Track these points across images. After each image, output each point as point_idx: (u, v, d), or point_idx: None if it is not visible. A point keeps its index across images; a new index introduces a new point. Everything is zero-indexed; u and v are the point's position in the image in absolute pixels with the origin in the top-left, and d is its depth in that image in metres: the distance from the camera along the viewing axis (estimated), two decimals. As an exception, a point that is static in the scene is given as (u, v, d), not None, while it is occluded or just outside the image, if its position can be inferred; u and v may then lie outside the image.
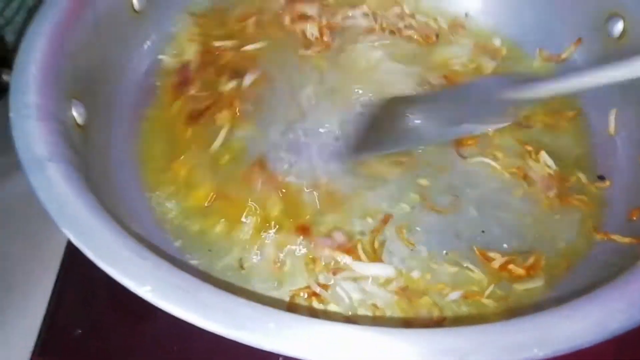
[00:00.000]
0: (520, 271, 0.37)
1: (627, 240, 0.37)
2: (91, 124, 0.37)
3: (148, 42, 0.47)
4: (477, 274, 0.37)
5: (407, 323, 0.35)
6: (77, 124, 0.36)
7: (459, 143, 0.44)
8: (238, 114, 0.44)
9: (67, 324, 0.39)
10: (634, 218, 0.38)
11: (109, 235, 0.26)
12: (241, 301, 0.24)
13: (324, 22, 0.50)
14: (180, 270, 0.25)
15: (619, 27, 0.43)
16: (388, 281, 0.37)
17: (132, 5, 0.45)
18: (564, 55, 0.48)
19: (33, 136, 0.30)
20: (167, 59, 0.48)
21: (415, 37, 0.51)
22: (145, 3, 0.46)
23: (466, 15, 0.52)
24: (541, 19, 0.49)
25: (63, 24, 0.37)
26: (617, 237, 0.37)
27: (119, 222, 0.28)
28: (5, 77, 0.33)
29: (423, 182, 0.42)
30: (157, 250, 0.27)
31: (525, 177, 0.42)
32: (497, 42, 0.51)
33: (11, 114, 0.31)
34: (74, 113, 0.36)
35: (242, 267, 0.37)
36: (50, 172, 0.28)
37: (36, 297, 0.40)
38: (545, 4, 0.49)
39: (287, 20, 0.50)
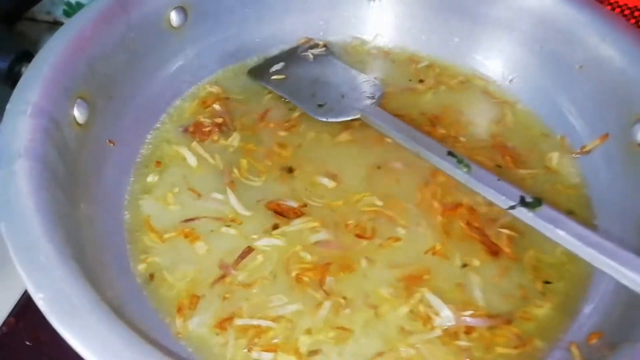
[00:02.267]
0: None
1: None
2: (93, 125, 0.41)
3: (179, 63, 0.50)
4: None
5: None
6: (77, 123, 0.40)
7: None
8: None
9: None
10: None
11: (41, 240, 0.29)
12: None
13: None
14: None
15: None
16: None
17: (169, 20, 0.48)
18: (587, 148, 0.44)
19: (16, 131, 0.33)
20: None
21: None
22: (184, 20, 0.49)
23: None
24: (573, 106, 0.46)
25: (92, 29, 0.41)
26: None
27: (70, 236, 0.30)
28: (24, 70, 0.37)
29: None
30: (98, 273, 0.29)
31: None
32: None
33: (7, 107, 0.35)
34: (76, 112, 0.39)
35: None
36: (16, 167, 0.32)
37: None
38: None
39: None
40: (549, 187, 0.44)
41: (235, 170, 0.44)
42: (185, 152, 0.45)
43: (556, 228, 0.33)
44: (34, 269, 0.27)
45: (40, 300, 0.26)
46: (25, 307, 0.45)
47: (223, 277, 0.38)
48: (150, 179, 0.44)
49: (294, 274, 0.37)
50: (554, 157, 0.46)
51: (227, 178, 0.43)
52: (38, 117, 0.35)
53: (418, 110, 0.49)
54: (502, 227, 0.40)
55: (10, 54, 0.37)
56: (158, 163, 0.45)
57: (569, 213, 0.42)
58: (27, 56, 0.38)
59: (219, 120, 0.48)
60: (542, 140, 0.48)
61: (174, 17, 0.48)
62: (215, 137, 0.47)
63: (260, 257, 0.38)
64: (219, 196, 0.42)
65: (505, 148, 0.47)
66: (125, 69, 0.45)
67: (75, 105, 0.39)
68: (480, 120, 0.49)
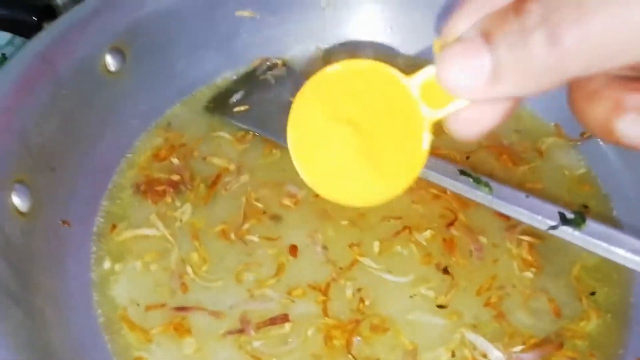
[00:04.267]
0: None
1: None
2: (39, 210, 0.34)
3: (123, 112, 0.43)
4: None
5: None
6: (19, 212, 0.33)
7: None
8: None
9: None
10: None
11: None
12: None
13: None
14: None
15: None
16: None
17: (105, 65, 0.41)
18: (588, 133, 0.42)
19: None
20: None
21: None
22: (123, 62, 0.42)
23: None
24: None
25: (12, 99, 0.34)
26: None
27: None
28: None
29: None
30: None
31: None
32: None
33: None
34: (15, 200, 0.32)
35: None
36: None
37: None
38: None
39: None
40: (554, 182, 0.41)
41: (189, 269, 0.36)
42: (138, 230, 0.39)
43: (611, 246, 0.29)
44: None
45: None
46: None
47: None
48: (107, 265, 0.37)
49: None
50: (553, 148, 0.43)
51: (177, 282, 0.36)
52: (-32, 223, 0.28)
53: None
54: (522, 233, 0.37)
55: None
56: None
57: (584, 208, 0.39)
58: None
59: (176, 177, 0.42)
60: (535, 131, 0.45)
61: (110, 61, 0.41)
62: (169, 199, 0.40)
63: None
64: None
65: (500, 146, 0.44)
66: (63, 133, 0.38)
67: (13, 192, 0.32)
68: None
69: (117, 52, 0.41)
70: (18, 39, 0.55)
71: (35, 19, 0.38)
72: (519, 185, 0.39)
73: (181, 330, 0.33)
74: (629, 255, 0.28)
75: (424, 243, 0.37)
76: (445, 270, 0.36)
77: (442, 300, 0.34)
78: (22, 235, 0.32)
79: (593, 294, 0.35)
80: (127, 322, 0.34)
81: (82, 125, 0.40)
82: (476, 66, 0.17)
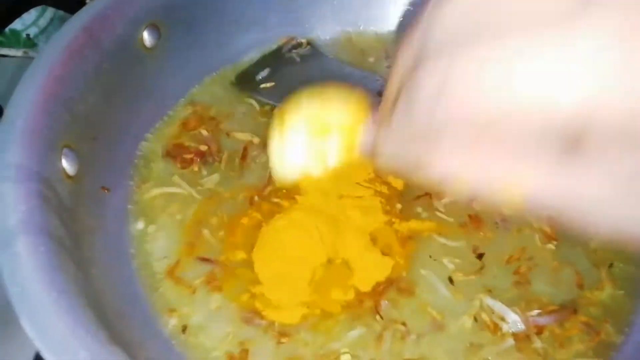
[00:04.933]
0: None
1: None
2: (83, 175, 0.36)
3: (157, 86, 0.45)
4: None
5: None
6: (67, 175, 0.35)
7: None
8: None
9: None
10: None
11: (68, 335, 0.24)
12: None
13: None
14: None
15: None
16: None
17: (142, 41, 0.43)
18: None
19: (7, 203, 0.28)
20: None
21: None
22: (158, 38, 0.44)
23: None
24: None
25: (60, 68, 0.36)
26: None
27: (92, 309, 0.26)
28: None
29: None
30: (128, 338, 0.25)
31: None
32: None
33: (-11, 176, 0.29)
34: (64, 164, 0.34)
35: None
36: (19, 247, 0.27)
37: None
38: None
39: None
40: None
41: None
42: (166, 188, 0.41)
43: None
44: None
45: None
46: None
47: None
48: (140, 226, 0.40)
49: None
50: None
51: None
52: (27, 180, 0.30)
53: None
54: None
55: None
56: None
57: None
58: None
59: (203, 148, 0.44)
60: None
61: (147, 37, 0.43)
62: (196, 168, 0.43)
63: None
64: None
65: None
66: (103, 103, 0.40)
67: (63, 156, 0.34)
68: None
69: (154, 28, 0.43)
70: (42, 20, 0.57)
71: (79, -6, 0.40)
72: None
73: (212, 285, 0.36)
74: None
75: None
76: (480, 256, 0.37)
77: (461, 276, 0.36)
78: (70, 197, 0.34)
79: (611, 265, 0.37)
80: (165, 275, 0.36)
81: (120, 97, 0.41)
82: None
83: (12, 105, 0.33)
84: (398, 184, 0.39)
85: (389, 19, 0.52)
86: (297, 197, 0.37)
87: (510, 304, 0.34)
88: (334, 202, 0.36)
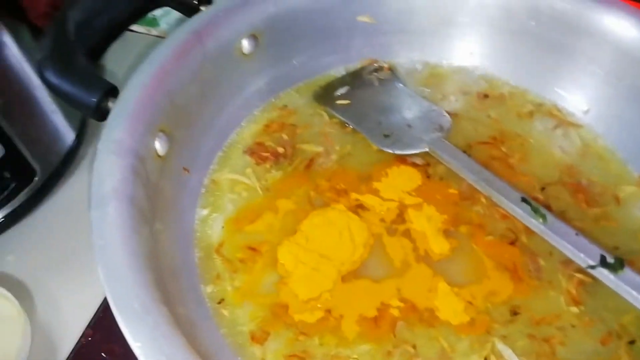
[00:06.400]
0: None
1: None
2: (171, 156, 0.42)
3: (248, 89, 0.51)
4: None
5: None
6: (158, 155, 0.41)
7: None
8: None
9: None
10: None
11: (129, 288, 0.30)
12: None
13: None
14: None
15: None
16: None
17: (240, 48, 0.49)
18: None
19: (107, 171, 0.35)
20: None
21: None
22: (255, 47, 0.49)
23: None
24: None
25: (171, 62, 0.42)
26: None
27: (153, 271, 0.32)
28: (110, 105, 0.39)
29: None
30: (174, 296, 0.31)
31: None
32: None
33: (98, 146, 0.36)
34: (157, 145, 0.41)
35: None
36: (109, 210, 0.33)
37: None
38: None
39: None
40: (624, 229, 0.43)
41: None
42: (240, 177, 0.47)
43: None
44: (130, 318, 0.29)
45: (137, 349, 0.28)
46: (102, 319, 0.47)
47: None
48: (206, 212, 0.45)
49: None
50: (631, 198, 0.44)
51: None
52: (126, 155, 0.37)
53: (484, 137, 0.49)
54: (577, 271, 0.40)
55: (99, 91, 0.39)
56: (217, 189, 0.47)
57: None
58: (112, 91, 0.39)
59: (281, 150, 0.49)
60: (618, 178, 0.46)
61: (246, 45, 0.49)
62: (268, 166, 0.48)
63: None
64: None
65: (578, 185, 0.46)
66: (200, 97, 0.46)
67: (157, 138, 0.41)
68: (549, 154, 0.48)
69: (253, 38, 0.49)
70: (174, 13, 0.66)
71: (196, 2, 0.47)
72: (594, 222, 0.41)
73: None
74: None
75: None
76: (515, 313, 0.38)
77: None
78: (156, 173, 0.41)
79: (632, 342, 0.37)
80: (215, 252, 0.42)
81: (214, 93, 0.48)
82: None
83: (127, 89, 0.40)
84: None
85: (469, 57, 0.54)
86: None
87: (521, 353, 0.36)
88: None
